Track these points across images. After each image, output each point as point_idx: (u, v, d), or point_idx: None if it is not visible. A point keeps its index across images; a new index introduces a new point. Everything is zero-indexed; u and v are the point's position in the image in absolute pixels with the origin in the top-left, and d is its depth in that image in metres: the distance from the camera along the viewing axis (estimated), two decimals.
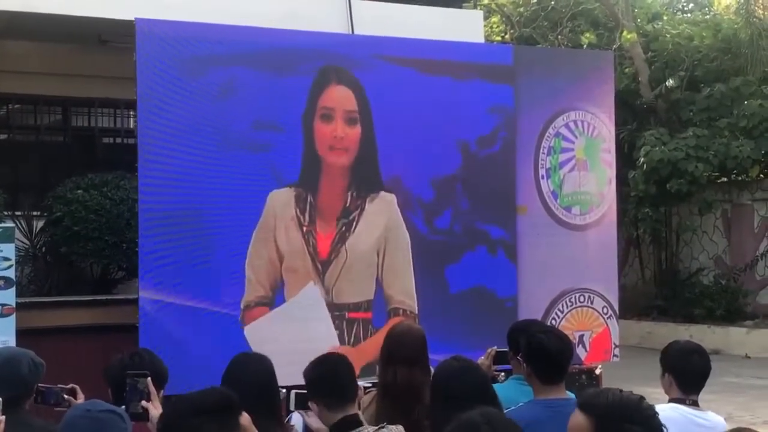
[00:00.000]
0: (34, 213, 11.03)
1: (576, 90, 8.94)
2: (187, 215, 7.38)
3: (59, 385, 4.25)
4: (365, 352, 7.55)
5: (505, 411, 3.97)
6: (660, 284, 20.10)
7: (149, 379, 4.10)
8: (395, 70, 8.13)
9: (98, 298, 9.94)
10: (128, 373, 4.13)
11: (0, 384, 3.90)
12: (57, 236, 10.32)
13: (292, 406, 4.26)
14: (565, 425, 4.19)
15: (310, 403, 4.04)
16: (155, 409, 4.02)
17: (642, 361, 9.51)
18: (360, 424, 3.92)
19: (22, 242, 10.51)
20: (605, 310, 8.97)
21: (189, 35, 7.43)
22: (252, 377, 4.07)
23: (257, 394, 3.98)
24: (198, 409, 2.99)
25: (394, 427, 3.98)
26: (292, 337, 7.45)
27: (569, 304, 8.77)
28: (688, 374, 4.45)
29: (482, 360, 5.15)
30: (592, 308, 8.91)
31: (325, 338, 7.62)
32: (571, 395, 4.55)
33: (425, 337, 4.71)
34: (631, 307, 18.44)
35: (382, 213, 8.04)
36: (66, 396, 4.21)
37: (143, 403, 4.01)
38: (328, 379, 3.98)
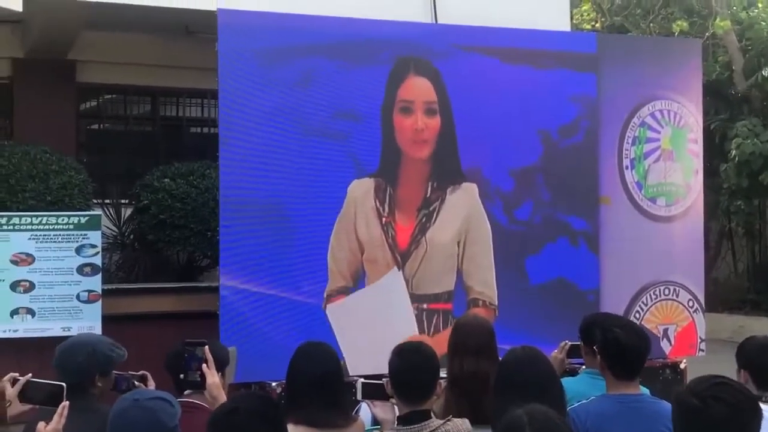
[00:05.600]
0: (123, 201, 11.26)
1: (662, 79, 8.75)
2: (267, 204, 7.42)
3: (130, 372, 4.31)
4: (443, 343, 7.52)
5: (575, 404, 3.91)
6: (753, 277, 19.63)
7: (207, 347, 4.14)
8: (475, 59, 8.05)
9: (182, 285, 10.10)
10: (186, 341, 4.18)
11: (60, 371, 4.01)
12: (144, 224, 10.52)
13: (359, 396, 4.25)
14: (634, 421, 4.13)
15: (385, 385, 4.04)
16: (212, 377, 4.06)
17: (732, 355, 9.28)
18: (428, 417, 3.90)
19: (111, 230, 10.73)
20: (691, 304, 8.78)
21: (270, 25, 7.48)
22: (315, 367, 4.07)
23: (320, 384, 3.99)
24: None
25: (459, 420, 3.95)
26: (374, 323, 7.47)
27: (653, 297, 8.61)
28: (764, 371, 4.33)
29: (555, 354, 5.08)
30: (677, 301, 8.72)
31: (405, 325, 7.61)
32: (645, 390, 4.46)
33: (492, 328, 4.66)
34: (723, 300, 18.08)
35: (464, 203, 7.98)
36: (137, 383, 4.27)
37: (202, 368, 4.06)
38: (407, 373, 3.95)
